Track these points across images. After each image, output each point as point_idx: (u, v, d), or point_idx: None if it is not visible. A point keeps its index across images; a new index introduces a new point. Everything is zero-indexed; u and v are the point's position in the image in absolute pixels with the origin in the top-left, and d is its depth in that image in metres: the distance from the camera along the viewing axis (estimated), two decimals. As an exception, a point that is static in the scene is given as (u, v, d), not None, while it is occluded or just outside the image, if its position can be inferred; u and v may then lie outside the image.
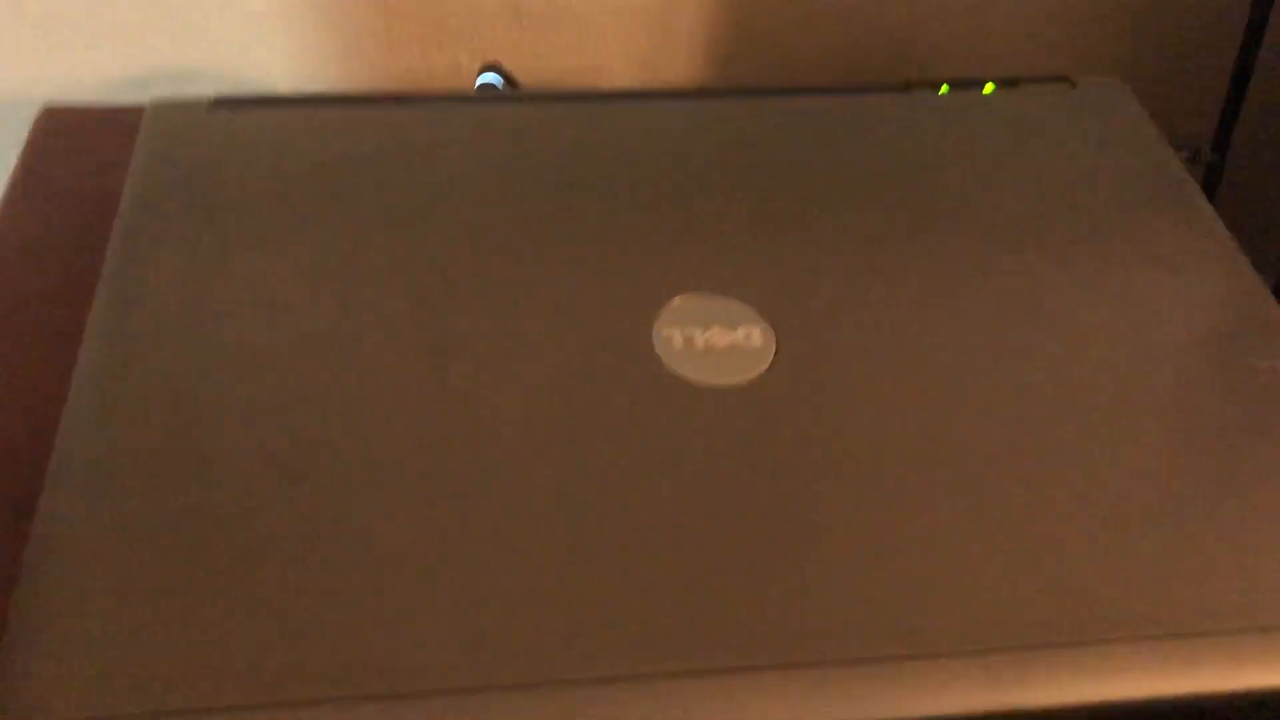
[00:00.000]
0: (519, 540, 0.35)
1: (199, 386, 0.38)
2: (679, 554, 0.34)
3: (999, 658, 0.33)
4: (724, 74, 0.70)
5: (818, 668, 0.32)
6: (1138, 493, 0.37)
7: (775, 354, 0.40)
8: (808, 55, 0.70)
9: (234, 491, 0.35)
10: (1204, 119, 0.61)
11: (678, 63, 0.69)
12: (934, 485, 0.37)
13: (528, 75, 0.68)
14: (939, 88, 0.52)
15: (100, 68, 0.67)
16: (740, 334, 0.41)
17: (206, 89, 0.49)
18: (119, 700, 0.31)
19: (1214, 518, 0.37)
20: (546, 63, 0.67)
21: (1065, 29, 0.70)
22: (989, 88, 0.52)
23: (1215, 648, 0.34)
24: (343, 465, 0.36)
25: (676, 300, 0.41)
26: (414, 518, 0.35)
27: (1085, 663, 0.33)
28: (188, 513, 0.35)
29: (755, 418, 0.38)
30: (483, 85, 0.56)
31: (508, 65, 0.66)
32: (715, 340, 0.40)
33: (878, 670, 0.33)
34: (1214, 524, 0.36)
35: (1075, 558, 0.35)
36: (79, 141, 0.57)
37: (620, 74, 0.69)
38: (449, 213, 0.44)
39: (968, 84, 0.52)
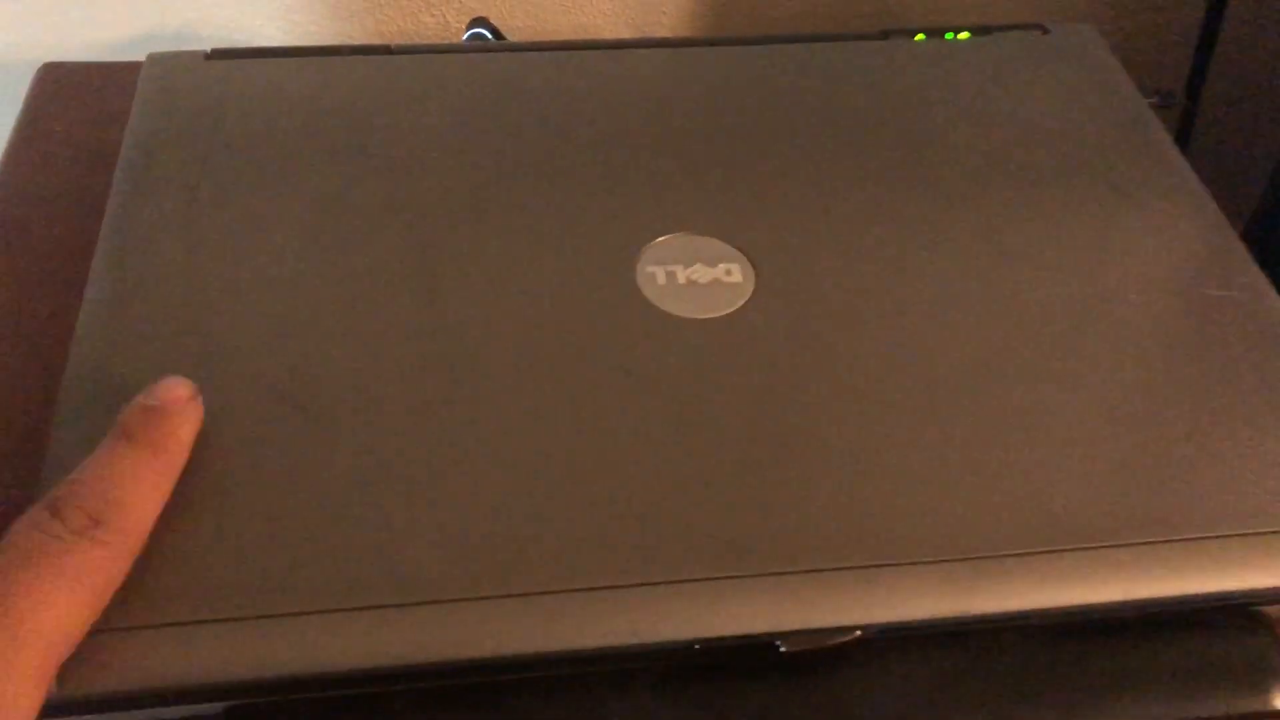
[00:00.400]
0: (508, 460, 0.36)
1: (199, 322, 0.40)
2: (659, 471, 0.36)
3: (966, 565, 0.35)
4: (711, 30, 0.71)
5: (795, 576, 0.34)
6: (1100, 410, 0.39)
7: (754, 289, 0.42)
8: (793, 9, 0.71)
9: (235, 420, 0.37)
10: (1177, 67, 0.63)
11: (665, 19, 0.70)
12: (906, 405, 0.38)
13: (515, 34, 0.69)
14: (915, 36, 0.53)
15: (94, 32, 0.69)
16: (720, 270, 0.42)
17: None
18: (118, 614, 0.32)
19: (1173, 432, 0.38)
20: (535, 22, 0.68)
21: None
22: (964, 35, 0.53)
23: (1175, 553, 0.36)
24: (340, 393, 0.38)
25: (659, 239, 0.43)
26: (408, 441, 0.37)
27: (1052, 569, 0.35)
28: (207, 443, 0.36)
29: (734, 347, 0.40)
30: (471, 37, 0.57)
31: (496, 24, 0.67)
32: (697, 276, 0.42)
33: (849, 578, 0.34)
34: (1174, 438, 0.38)
35: (1041, 471, 0.37)
36: (79, 95, 0.58)
37: (607, 32, 0.70)
38: (438, 157, 0.46)
39: (943, 31, 0.54)
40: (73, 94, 0.58)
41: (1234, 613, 0.37)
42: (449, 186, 0.45)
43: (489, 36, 0.57)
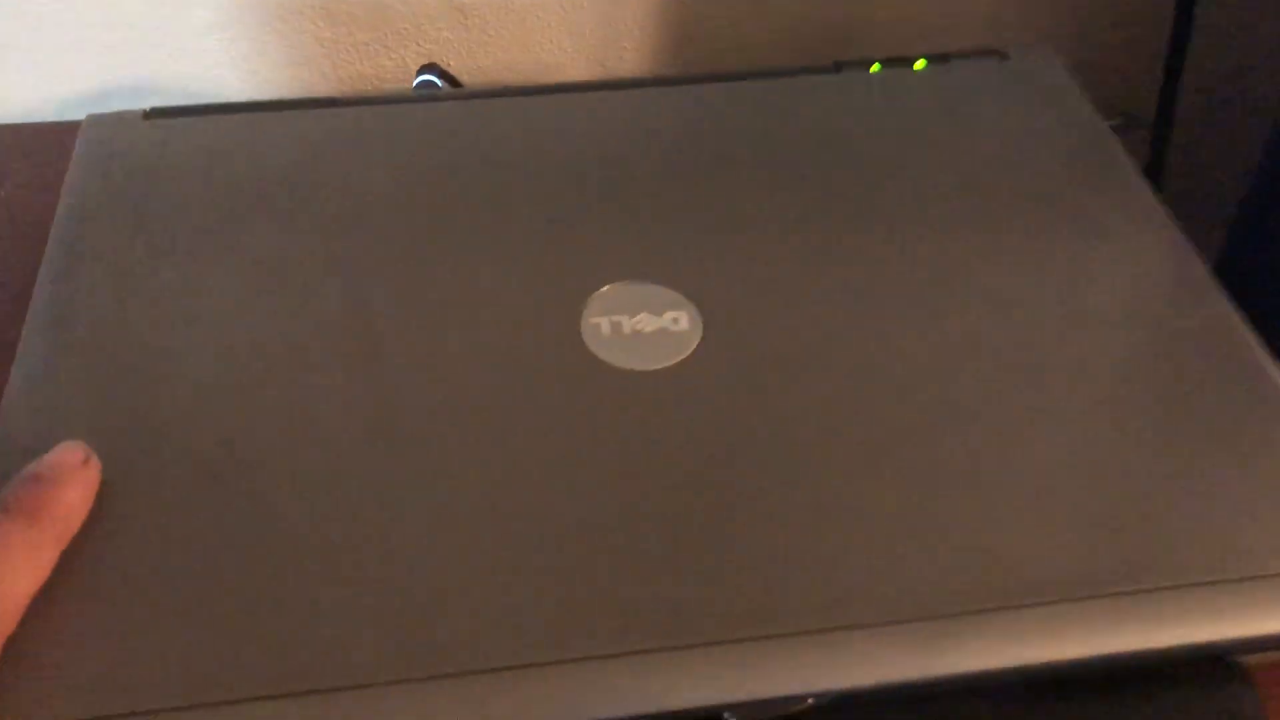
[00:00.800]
0: (449, 531, 0.35)
1: (129, 393, 0.38)
2: (598, 536, 0.35)
3: (924, 626, 0.33)
4: (675, 62, 0.70)
5: (743, 644, 0.33)
6: (1064, 454, 0.37)
7: (701, 337, 0.40)
8: (757, 39, 0.70)
9: (166, 499, 0.36)
10: (1148, 86, 0.61)
11: (627, 54, 0.69)
12: (860, 458, 0.37)
13: (478, 74, 0.68)
14: (870, 66, 0.52)
15: (48, 86, 0.68)
16: (667, 319, 0.41)
17: (159, 103, 0.50)
18: (43, 708, 0.31)
19: (1141, 476, 0.37)
20: (496, 62, 0.67)
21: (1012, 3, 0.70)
22: (920, 64, 0.52)
23: (1139, 606, 0.34)
24: (275, 467, 0.36)
25: (604, 288, 0.42)
26: (340, 514, 0.35)
27: (1016, 626, 0.33)
28: (122, 521, 0.35)
29: (680, 400, 0.38)
30: (420, 85, 0.56)
31: (455, 65, 0.66)
32: (642, 326, 0.41)
33: (803, 643, 0.33)
34: (1141, 482, 0.37)
35: (1002, 523, 0.35)
36: (21, 158, 0.57)
37: (570, 69, 0.69)
38: (380, 213, 0.45)
39: (900, 62, 0.52)
40: (14, 157, 0.57)
41: (1208, 664, 0.36)
42: (390, 242, 0.43)
43: (438, 83, 0.56)
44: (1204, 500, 0.36)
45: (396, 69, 0.67)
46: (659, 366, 0.39)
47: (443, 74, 0.56)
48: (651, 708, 0.32)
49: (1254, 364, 0.40)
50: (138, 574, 0.34)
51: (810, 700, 0.32)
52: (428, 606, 0.33)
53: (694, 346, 0.40)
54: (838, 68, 0.52)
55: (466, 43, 0.63)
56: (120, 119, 0.49)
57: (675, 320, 0.41)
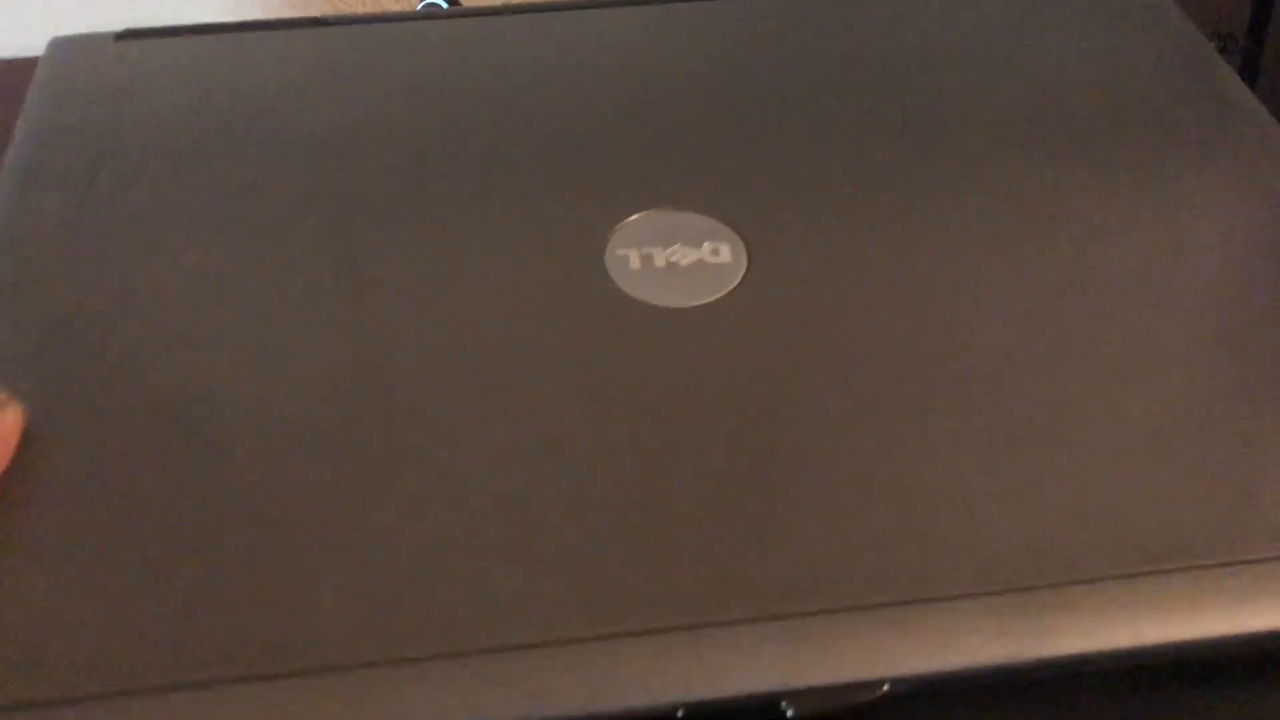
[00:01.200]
0: (451, 493, 0.30)
1: (81, 332, 0.33)
2: (632, 498, 0.29)
3: (1021, 598, 0.28)
4: None
5: (807, 619, 0.27)
6: (1173, 407, 0.32)
7: (746, 270, 0.35)
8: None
9: (124, 453, 0.30)
10: (1235, 5, 0.56)
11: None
12: (936, 409, 0.31)
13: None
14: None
15: (11, 17, 0.63)
16: (705, 250, 0.35)
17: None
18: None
19: (1261, 434, 0.31)
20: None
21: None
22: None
23: (1269, 577, 0.28)
24: (252, 421, 0.31)
25: (633, 217, 0.36)
26: (324, 470, 0.30)
27: (1121, 601, 0.28)
28: (70, 477, 0.30)
29: (723, 341, 0.33)
30: (424, 8, 0.51)
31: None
32: (677, 258, 0.35)
33: (878, 620, 0.27)
34: (1262, 441, 0.31)
35: (1102, 482, 0.30)
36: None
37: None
38: (376, 139, 0.39)
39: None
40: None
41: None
42: (385, 171, 0.38)
43: (443, 5, 0.50)
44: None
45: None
46: (697, 303, 0.34)
47: None
48: (695, 694, 0.26)
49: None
50: (85, 540, 0.29)
51: (885, 687, 0.27)
52: (434, 580, 0.28)
53: (737, 281, 0.34)
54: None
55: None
56: (88, 41, 0.44)
57: (715, 251, 0.35)
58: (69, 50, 0.43)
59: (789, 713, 0.27)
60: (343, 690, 0.26)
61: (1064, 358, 0.33)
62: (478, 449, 0.30)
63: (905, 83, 0.41)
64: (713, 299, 0.34)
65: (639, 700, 0.26)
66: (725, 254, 0.35)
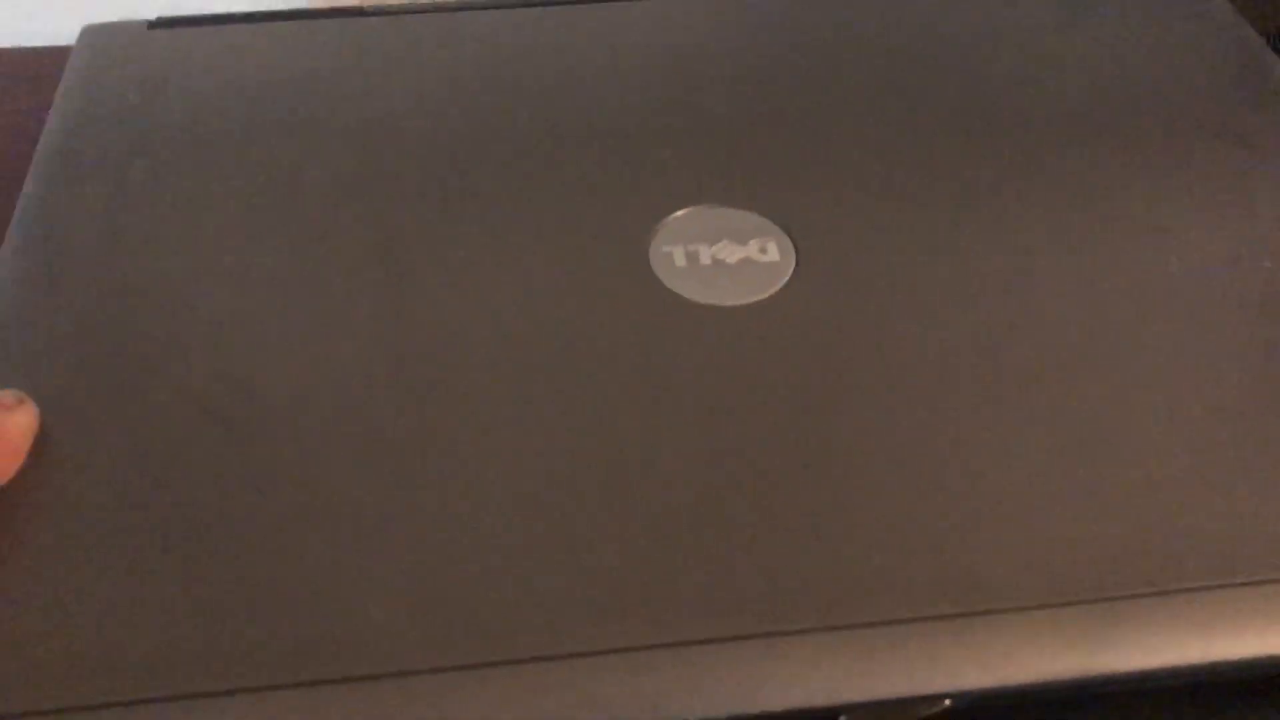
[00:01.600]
0: (491, 493, 0.29)
1: (116, 324, 0.32)
2: (678, 502, 0.28)
3: (1086, 610, 0.27)
4: None
5: (866, 630, 0.26)
6: (1233, 412, 0.31)
7: (795, 268, 0.34)
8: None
9: (157, 445, 0.30)
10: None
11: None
12: (989, 413, 0.30)
13: None
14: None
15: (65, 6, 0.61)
16: (753, 247, 0.34)
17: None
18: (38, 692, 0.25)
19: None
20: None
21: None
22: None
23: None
24: (280, 408, 0.30)
25: (678, 213, 0.35)
26: (364, 469, 0.29)
27: (1187, 615, 0.27)
28: (108, 473, 0.29)
29: (771, 341, 0.32)
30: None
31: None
32: (723, 255, 0.34)
33: (939, 632, 0.26)
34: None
35: (1167, 490, 0.29)
36: (19, 81, 0.52)
37: None
38: (414, 131, 0.38)
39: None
40: (13, 80, 0.51)
41: None
42: (423, 164, 0.37)
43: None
44: None
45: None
46: (744, 302, 0.33)
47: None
48: (746, 708, 0.26)
49: None
50: (115, 538, 0.28)
51: (947, 702, 0.26)
52: (468, 585, 0.27)
53: (786, 279, 0.34)
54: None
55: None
56: (121, 29, 0.43)
57: (763, 249, 0.34)
58: (102, 38, 0.43)
59: (846, 725, 0.26)
60: (378, 698, 0.26)
61: (1121, 360, 0.32)
62: (519, 449, 0.30)
63: (953, 77, 0.40)
64: (759, 299, 0.33)
65: (693, 712, 0.25)
66: (774, 251, 0.34)
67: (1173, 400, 0.31)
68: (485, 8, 0.44)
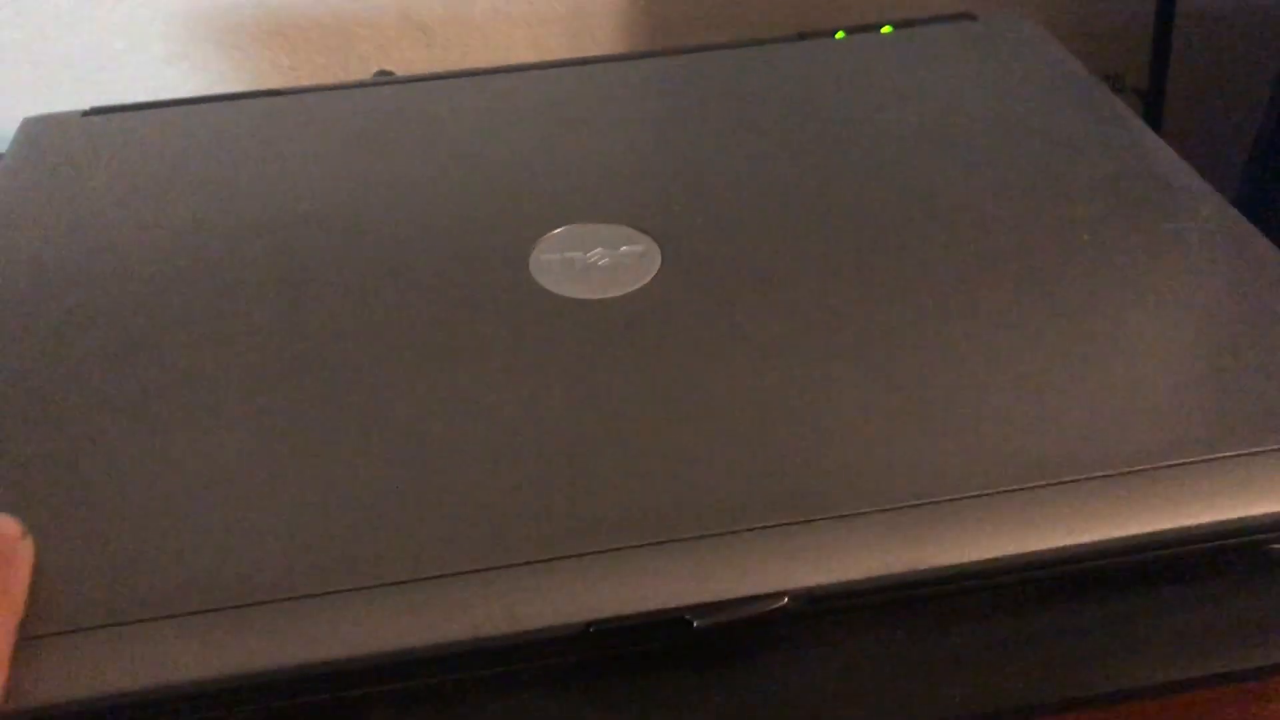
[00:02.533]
0: (373, 438, 0.32)
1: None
2: (537, 440, 0.31)
3: (913, 512, 0.29)
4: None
5: (700, 540, 0.29)
6: (1056, 335, 0.34)
7: (660, 267, 0.37)
8: (716, 19, 0.68)
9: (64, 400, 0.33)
10: (1132, 58, 0.59)
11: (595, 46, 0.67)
12: (828, 348, 0.34)
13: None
14: (835, 34, 0.50)
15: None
16: (623, 252, 0.38)
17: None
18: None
19: (1145, 354, 0.33)
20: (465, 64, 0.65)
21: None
22: (886, 29, 0.50)
23: (1161, 483, 0.30)
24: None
25: (555, 231, 0.39)
26: (253, 429, 0.32)
27: (1017, 512, 0.29)
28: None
29: (639, 322, 0.35)
30: (378, 74, 0.54)
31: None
32: (597, 260, 0.38)
33: (769, 536, 0.29)
34: (1147, 360, 0.33)
35: (995, 403, 0.32)
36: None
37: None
38: (315, 184, 0.42)
39: (865, 29, 0.50)
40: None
41: (1241, 556, 0.31)
42: (322, 211, 0.41)
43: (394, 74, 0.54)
44: (1216, 377, 0.32)
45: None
46: (613, 295, 0.36)
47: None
48: (600, 613, 0.28)
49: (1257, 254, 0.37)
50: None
51: (785, 600, 0.28)
52: (354, 516, 0.30)
53: (651, 276, 0.37)
54: (800, 37, 0.50)
55: (428, 61, 0.62)
56: (58, 119, 0.47)
57: (632, 253, 0.38)
58: (40, 126, 0.46)
59: (695, 624, 0.28)
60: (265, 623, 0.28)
61: (947, 318, 0.35)
62: (398, 400, 0.33)
63: (809, 121, 0.44)
64: (627, 291, 0.36)
65: (551, 619, 0.28)
66: (641, 254, 0.38)
67: (991, 330, 0.34)
68: (382, 85, 0.48)
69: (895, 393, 0.32)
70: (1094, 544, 0.29)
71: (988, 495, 0.29)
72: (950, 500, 0.29)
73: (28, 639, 0.27)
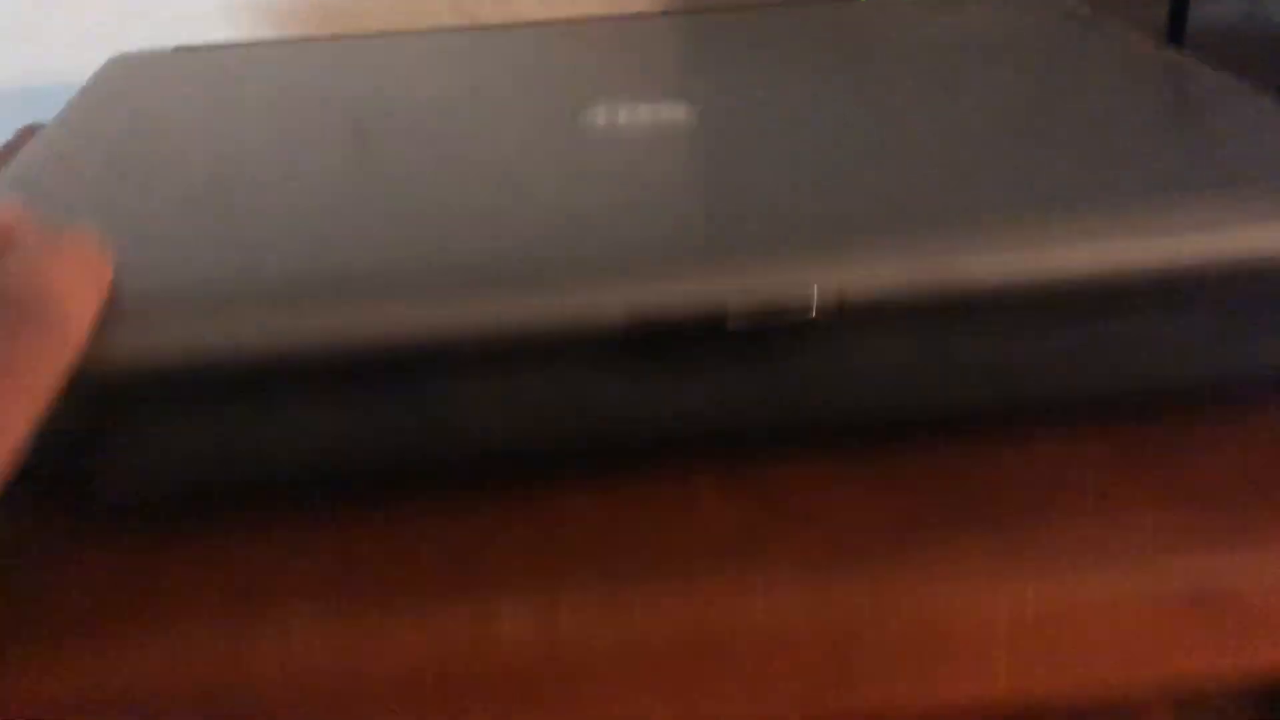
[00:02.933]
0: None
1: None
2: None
3: (961, 225, 0.31)
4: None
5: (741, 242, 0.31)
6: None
7: (698, 121, 0.40)
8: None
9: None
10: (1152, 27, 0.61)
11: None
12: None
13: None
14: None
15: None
16: (664, 108, 0.41)
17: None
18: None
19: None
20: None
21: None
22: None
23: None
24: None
25: (601, 101, 0.42)
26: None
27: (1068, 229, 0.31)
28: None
29: (672, 153, 0.38)
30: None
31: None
32: (638, 115, 0.40)
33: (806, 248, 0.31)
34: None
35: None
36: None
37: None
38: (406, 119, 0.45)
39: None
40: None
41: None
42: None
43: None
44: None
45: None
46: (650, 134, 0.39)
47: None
48: (640, 306, 0.29)
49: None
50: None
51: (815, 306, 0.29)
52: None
53: (686, 121, 0.40)
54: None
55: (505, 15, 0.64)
56: (148, 55, 0.50)
57: (671, 110, 0.41)
58: (123, 62, 0.50)
59: (729, 325, 0.29)
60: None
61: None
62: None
63: (835, 43, 0.48)
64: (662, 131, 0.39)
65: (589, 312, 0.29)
66: (680, 111, 0.40)
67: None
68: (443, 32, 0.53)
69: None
70: (1122, 268, 0.30)
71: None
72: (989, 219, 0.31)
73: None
